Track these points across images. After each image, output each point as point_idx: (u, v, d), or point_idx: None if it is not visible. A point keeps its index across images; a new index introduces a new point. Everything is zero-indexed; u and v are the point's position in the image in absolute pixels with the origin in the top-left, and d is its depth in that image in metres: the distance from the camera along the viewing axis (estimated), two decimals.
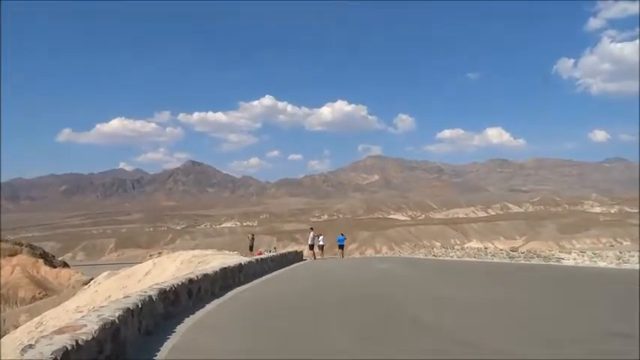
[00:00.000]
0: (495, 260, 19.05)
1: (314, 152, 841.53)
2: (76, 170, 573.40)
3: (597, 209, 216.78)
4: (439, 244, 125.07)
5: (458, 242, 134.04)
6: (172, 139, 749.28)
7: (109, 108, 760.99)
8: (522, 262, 18.31)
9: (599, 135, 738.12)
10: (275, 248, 44.89)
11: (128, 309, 5.47)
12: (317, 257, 27.27)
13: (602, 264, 15.08)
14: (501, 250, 22.38)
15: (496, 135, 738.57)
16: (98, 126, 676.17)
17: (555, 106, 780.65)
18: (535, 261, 17.72)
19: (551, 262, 16.87)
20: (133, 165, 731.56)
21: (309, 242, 26.95)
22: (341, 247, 29.58)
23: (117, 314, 5.05)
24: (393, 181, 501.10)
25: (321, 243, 28.04)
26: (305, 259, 26.74)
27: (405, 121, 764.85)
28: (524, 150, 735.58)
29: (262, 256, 18.26)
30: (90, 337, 4.20)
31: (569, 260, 16.45)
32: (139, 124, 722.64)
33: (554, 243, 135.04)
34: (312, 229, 28.18)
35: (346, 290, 10.91)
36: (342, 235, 30.22)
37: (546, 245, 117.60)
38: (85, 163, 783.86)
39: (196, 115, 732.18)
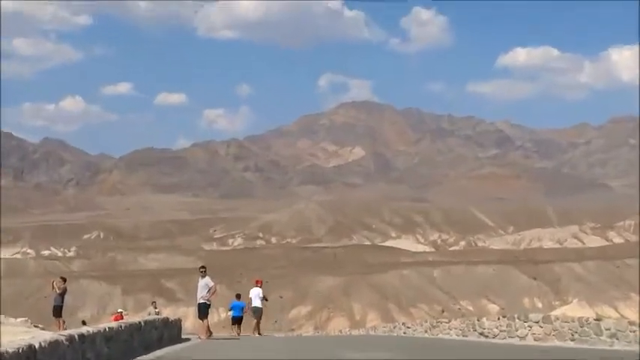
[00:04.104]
0: (616, 347, 16.93)
1: (214, 92, 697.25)
2: None
3: None
4: (496, 307, 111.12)
5: (539, 305, 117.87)
6: None
7: None
8: None
9: None
10: (154, 304, 39.16)
11: None
12: (231, 333, 29.20)
13: None
14: (633, 324, 18.23)
15: (628, 62, 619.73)
16: None
17: None
18: None
19: None
20: None
21: (200, 299, 23.00)
22: (237, 320, 30.50)
23: None
24: (397, 160, 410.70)
25: (243, 303, 30.00)
26: (188, 339, 24.72)
27: (427, 24, 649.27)
28: None
29: (85, 331, 14.46)
30: None
31: None
32: None
33: None
34: (203, 270, 23.81)
35: None
36: (239, 298, 31.42)
37: None
38: None
39: None
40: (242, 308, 30.93)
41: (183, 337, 24.97)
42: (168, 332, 22.62)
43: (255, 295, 28.63)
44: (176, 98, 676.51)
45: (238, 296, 32.19)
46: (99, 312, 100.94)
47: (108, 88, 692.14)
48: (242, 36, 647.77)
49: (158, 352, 18.03)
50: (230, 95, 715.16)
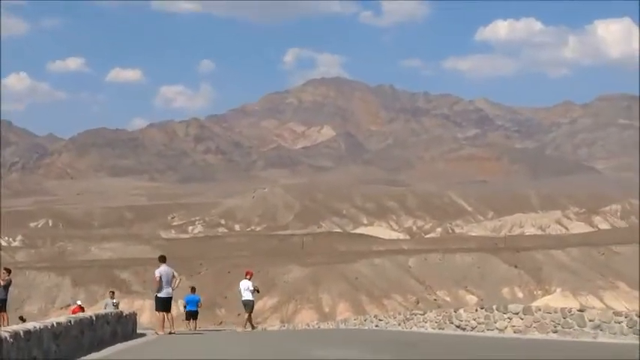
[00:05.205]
0: (602, 340, 16.44)
1: (172, 67, 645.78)
2: None
3: None
4: (474, 299, 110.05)
5: (520, 295, 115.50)
6: None
7: None
8: None
9: None
10: (112, 294, 38.59)
11: None
12: (188, 329, 29.05)
13: None
14: (619, 315, 17.99)
15: (617, 36, 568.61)
16: None
17: None
18: None
19: None
20: None
21: (157, 292, 22.53)
22: (192, 314, 31.13)
23: None
24: (369, 141, 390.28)
25: (195, 296, 30.95)
26: (144, 334, 24.05)
27: None
28: None
29: (31, 327, 12.99)
30: None
31: None
32: None
33: None
34: (163, 259, 23.24)
35: None
36: (194, 291, 32.30)
37: None
38: None
39: None
40: (197, 302, 31.08)
41: (138, 332, 24.39)
42: (123, 327, 22.01)
43: (245, 288, 27.44)
44: (131, 74, 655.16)
45: (193, 289, 32.40)
46: (47, 305, 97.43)
47: (56, 63, 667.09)
48: (203, 8, 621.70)
49: (111, 349, 17.52)
50: (190, 71, 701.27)
